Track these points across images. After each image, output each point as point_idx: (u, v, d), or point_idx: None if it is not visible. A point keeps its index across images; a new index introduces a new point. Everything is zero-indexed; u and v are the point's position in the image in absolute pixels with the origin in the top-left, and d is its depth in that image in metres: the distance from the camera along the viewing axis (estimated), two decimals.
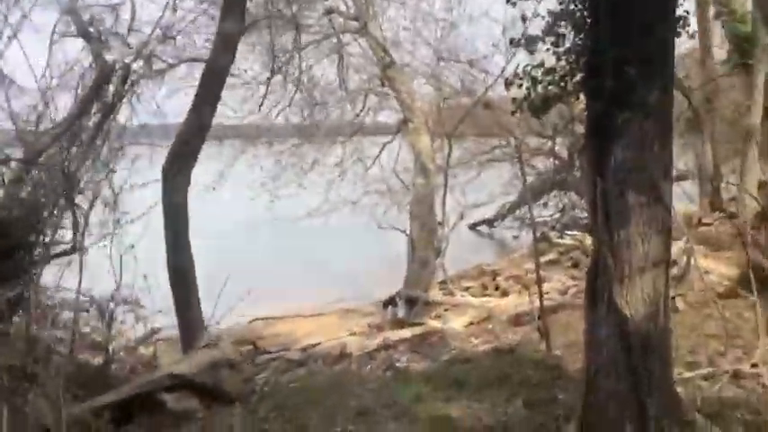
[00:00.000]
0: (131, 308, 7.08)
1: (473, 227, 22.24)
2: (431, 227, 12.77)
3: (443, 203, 12.68)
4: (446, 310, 11.65)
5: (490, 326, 10.19)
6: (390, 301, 13.49)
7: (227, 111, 12.89)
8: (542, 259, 12.66)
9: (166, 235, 7.16)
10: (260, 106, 12.79)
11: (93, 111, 7.50)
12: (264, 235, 14.44)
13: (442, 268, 12.85)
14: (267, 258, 19.47)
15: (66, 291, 6.95)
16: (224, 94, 8.17)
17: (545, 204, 18.36)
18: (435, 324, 10.60)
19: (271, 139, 14.79)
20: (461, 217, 13.07)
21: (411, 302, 12.14)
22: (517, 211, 20.09)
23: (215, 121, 7.98)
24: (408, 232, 12.96)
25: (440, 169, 13.64)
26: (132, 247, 7.16)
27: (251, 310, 14.30)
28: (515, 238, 19.59)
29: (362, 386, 6.56)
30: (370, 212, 14.47)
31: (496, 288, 12.90)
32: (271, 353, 10.32)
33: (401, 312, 11.60)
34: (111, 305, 6.84)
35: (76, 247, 7.02)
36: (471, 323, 10.40)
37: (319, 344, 10.87)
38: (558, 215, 18.86)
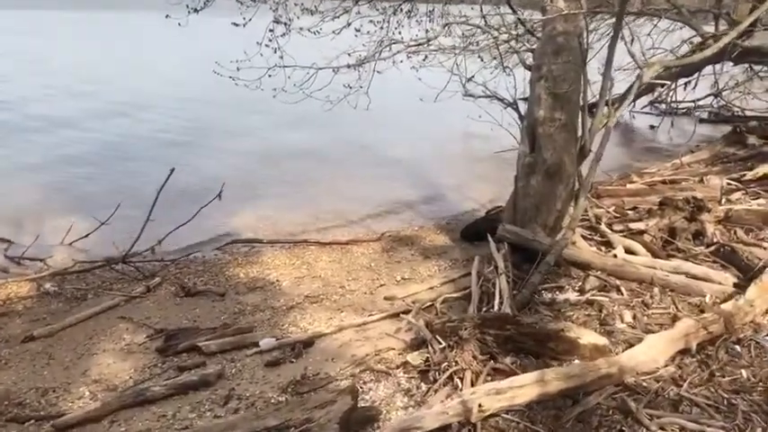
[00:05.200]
0: None
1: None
2: (574, 101, 6.17)
3: (609, 58, 5.93)
4: (605, 290, 5.26)
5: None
6: (472, 232, 7.29)
7: None
8: None
9: None
10: None
11: None
12: (261, 98, 8.16)
13: (586, 187, 6.30)
14: (258, 135, 13.26)
15: None
16: None
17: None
18: (592, 339, 4.29)
19: None
20: (641, 84, 6.16)
21: (521, 253, 5.85)
22: (657, 91, 15.39)
23: None
24: (525, 109, 6.43)
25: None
26: None
27: (234, 224, 8.36)
28: (653, 128, 15.27)
29: None
30: (451, 68, 7.89)
31: (697, 236, 6.19)
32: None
33: (500, 283, 5.31)
34: None
35: None
36: (686, 353, 4.05)
37: (315, 340, 4.86)
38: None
